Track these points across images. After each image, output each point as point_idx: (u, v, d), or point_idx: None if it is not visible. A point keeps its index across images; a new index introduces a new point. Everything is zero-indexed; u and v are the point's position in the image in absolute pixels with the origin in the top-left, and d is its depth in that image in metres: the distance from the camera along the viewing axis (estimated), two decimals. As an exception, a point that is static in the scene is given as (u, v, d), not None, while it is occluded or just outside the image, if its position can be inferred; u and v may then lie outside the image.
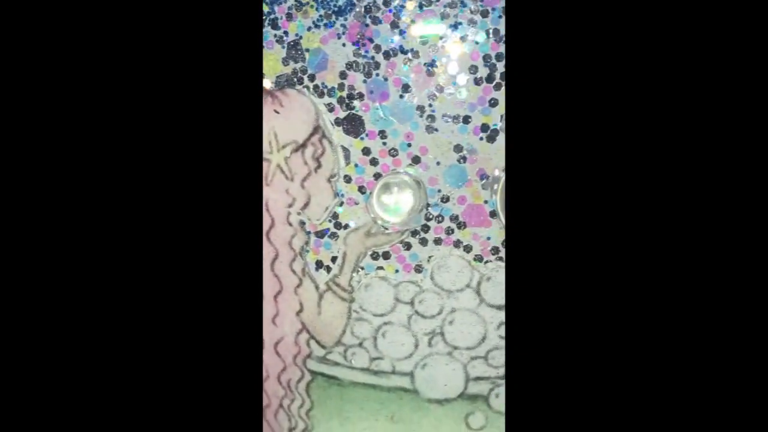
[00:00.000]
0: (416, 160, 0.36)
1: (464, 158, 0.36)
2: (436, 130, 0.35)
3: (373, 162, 0.36)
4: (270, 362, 0.40)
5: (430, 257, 0.36)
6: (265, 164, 0.37)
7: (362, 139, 0.36)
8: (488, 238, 0.36)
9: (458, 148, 0.35)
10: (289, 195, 0.37)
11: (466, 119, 0.35)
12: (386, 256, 0.37)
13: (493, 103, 0.35)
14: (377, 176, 0.36)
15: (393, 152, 0.36)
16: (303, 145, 0.37)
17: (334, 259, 0.37)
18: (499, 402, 0.37)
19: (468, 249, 0.36)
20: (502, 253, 0.36)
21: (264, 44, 0.37)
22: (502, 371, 0.37)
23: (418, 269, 0.36)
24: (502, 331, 0.37)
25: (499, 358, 0.37)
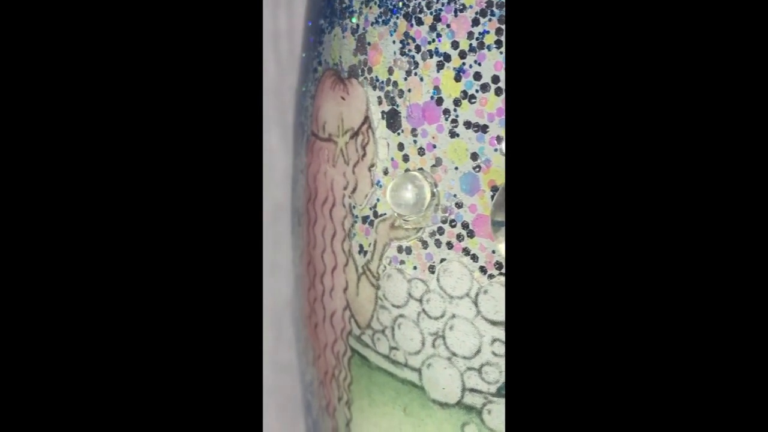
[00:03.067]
0: (439, 161, 0.36)
1: (479, 167, 0.35)
2: (458, 135, 0.36)
3: (405, 158, 0.37)
4: (328, 332, 0.42)
5: (442, 260, 0.37)
6: (332, 146, 0.40)
7: (398, 134, 0.37)
8: (493, 252, 0.35)
9: (474, 156, 0.35)
10: (345, 178, 0.40)
11: (485, 128, 0.35)
12: (409, 251, 0.38)
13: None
14: (406, 171, 0.37)
15: (420, 152, 0.37)
16: (357, 133, 0.39)
17: (371, 245, 0.39)
18: (491, 419, 0.37)
19: (475, 258, 0.36)
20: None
21: (344, 35, 0.39)
22: (493, 388, 0.36)
23: (432, 269, 0.37)
24: (496, 348, 0.36)
25: (492, 374, 0.36)
